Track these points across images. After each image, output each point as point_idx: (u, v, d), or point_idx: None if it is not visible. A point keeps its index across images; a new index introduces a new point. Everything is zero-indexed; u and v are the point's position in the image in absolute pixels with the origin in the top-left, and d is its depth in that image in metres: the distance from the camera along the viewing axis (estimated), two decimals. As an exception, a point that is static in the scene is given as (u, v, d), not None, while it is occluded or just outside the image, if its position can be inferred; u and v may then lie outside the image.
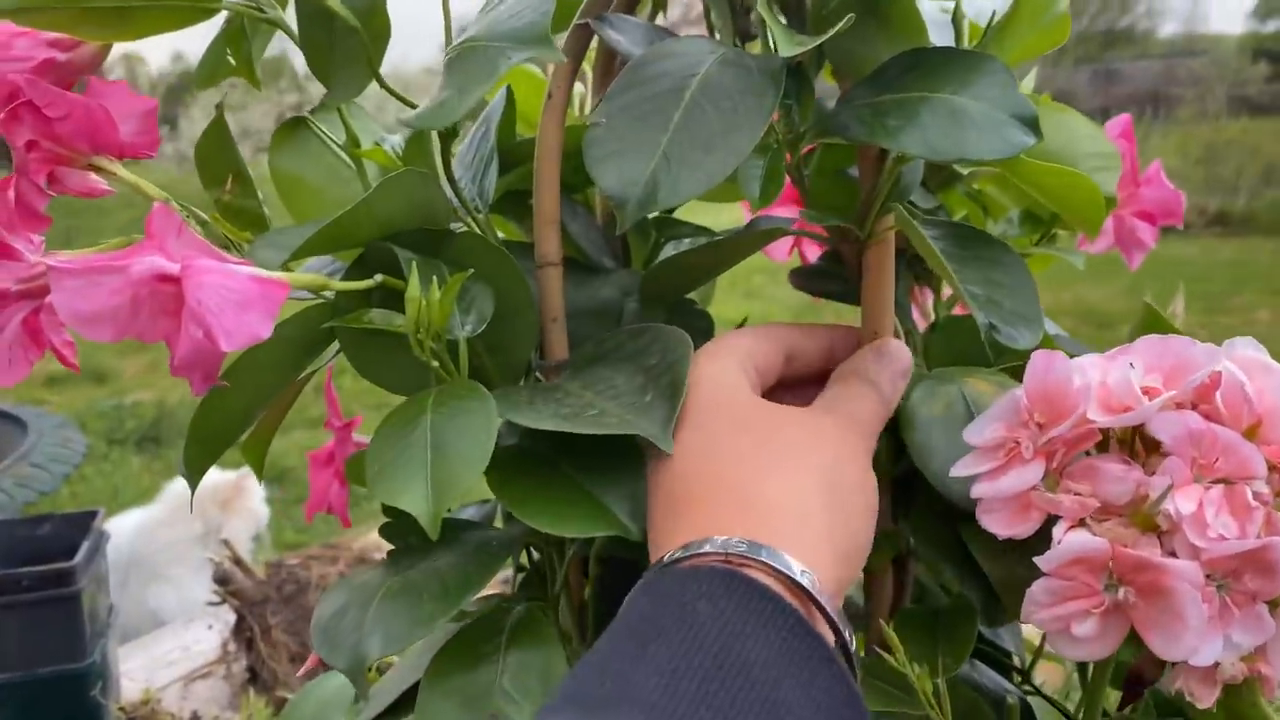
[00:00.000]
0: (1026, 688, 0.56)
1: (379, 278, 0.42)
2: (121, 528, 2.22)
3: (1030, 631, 0.68)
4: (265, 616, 1.62)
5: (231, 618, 1.66)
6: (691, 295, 0.58)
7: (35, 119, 0.41)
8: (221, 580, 1.59)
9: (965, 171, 0.53)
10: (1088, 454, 0.38)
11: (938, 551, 0.43)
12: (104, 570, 1.39)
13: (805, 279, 0.57)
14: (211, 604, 1.63)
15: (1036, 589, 0.35)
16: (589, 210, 0.59)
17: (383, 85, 0.45)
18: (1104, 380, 0.37)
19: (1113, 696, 0.47)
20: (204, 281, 0.35)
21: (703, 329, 0.56)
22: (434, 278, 0.41)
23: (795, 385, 0.47)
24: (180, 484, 2.21)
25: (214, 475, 2.16)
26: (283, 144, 0.50)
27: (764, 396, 0.43)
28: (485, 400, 0.39)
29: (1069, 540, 0.34)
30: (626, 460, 0.41)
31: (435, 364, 0.41)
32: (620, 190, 0.39)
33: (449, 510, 0.51)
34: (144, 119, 0.44)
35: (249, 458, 0.51)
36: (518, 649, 0.43)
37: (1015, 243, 0.56)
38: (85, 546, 1.27)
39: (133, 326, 0.38)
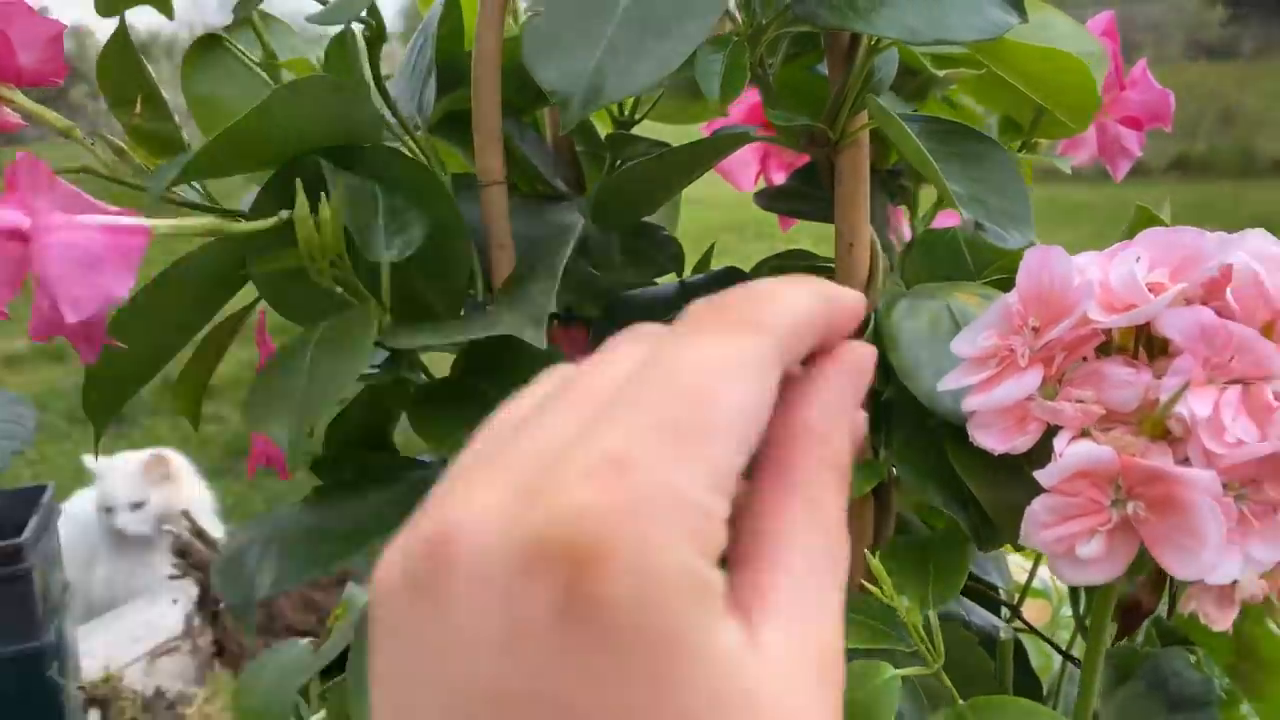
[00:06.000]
0: (1016, 624, 0.54)
1: (283, 215, 0.37)
2: (84, 504, 2.16)
3: (1016, 568, 0.65)
4: (230, 589, 1.57)
5: (195, 591, 1.61)
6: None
7: (-79, 42, 0.37)
8: (180, 553, 1.54)
9: (941, 74, 0.49)
10: (1084, 360, 0.34)
11: (924, 476, 0.40)
12: (56, 546, 1.34)
13: (774, 200, 0.53)
14: (173, 577, 1.58)
15: (1037, 507, 0.31)
16: (539, 133, 0.55)
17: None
18: (1105, 278, 0.34)
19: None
20: (50, 243, 0.31)
21: (672, 255, 0.52)
22: (322, 194, 0.36)
23: None
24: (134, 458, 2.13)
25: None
26: (196, 64, 0.46)
27: None
28: (363, 319, 0.36)
29: (1073, 451, 0.31)
30: None
31: (339, 289, 0.37)
32: (562, 85, 0.35)
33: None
34: (49, 44, 0.40)
35: (179, 404, 0.47)
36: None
37: (994, 151, 0.52)
38: (34, 522, 1.22)
39: None
